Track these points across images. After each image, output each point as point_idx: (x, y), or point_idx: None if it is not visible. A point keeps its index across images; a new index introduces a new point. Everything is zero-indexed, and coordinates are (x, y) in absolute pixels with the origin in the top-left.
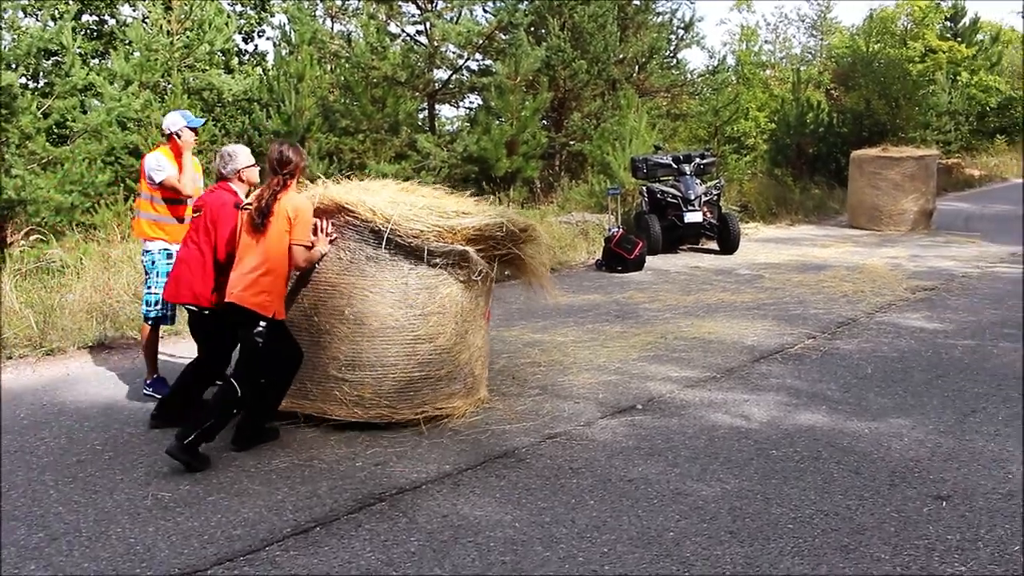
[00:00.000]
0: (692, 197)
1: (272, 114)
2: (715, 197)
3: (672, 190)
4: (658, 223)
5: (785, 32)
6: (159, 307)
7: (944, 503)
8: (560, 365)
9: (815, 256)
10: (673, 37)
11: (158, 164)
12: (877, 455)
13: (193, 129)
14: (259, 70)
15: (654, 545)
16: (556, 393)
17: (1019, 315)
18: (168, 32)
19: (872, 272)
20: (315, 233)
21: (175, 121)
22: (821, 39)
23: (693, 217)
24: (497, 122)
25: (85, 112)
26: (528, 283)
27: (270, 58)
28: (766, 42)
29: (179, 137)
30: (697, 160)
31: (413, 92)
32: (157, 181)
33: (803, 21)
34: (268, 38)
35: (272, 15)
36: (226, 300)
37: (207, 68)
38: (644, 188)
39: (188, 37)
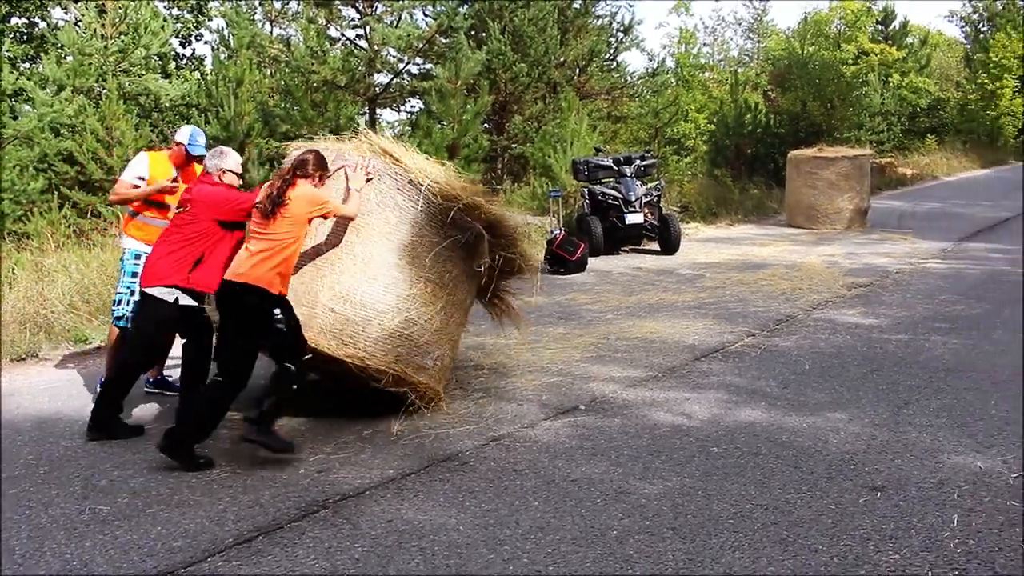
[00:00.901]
0: (633, 198)
1: (211, 119)
2: (656, 198)
3: (613, 192)
4: (599, 224)
5: (723, 35)
6: (121, 307)
7: (879, 494)
8: (503, 367)
9: (754, 255)
10: (613, 40)
11: (132, 161)
12: (815, 449)
13: (192, 155)
14: (197, 75)
15: (597, 544)
16: (499, 395)
17: (949, 309)
18: (102, 36)
19: (810, 270)
20: (353, 170)
21: (181, 135)
22: (758, 42)
23: (634, 218)
24: (438, 126)
25: (16, 118)
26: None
27: (208, 62)
28: (704, 45)
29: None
30: (637, 162)
31: (354, 96)
32: (121, 176)
33: (740, 24)
34: (206, 42)
35: (210, 19)
36: (227, 278)
37: (143, 73)
38: (585, 190)
39: (123, 41)
